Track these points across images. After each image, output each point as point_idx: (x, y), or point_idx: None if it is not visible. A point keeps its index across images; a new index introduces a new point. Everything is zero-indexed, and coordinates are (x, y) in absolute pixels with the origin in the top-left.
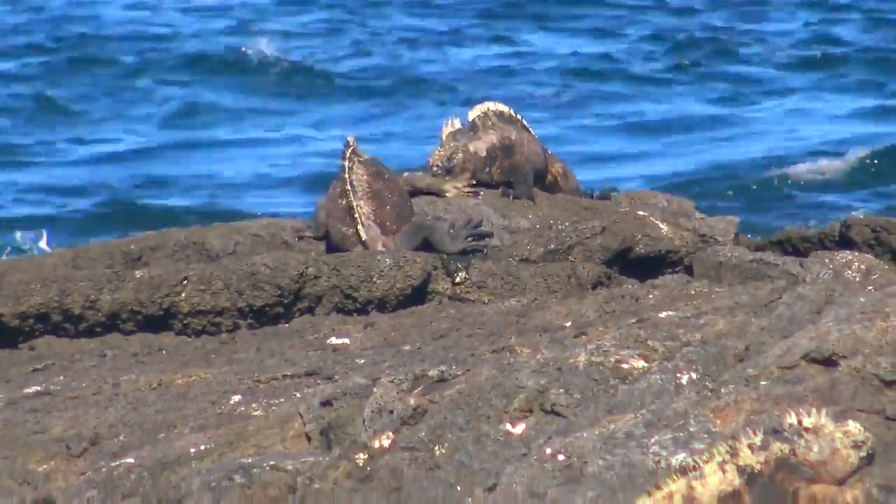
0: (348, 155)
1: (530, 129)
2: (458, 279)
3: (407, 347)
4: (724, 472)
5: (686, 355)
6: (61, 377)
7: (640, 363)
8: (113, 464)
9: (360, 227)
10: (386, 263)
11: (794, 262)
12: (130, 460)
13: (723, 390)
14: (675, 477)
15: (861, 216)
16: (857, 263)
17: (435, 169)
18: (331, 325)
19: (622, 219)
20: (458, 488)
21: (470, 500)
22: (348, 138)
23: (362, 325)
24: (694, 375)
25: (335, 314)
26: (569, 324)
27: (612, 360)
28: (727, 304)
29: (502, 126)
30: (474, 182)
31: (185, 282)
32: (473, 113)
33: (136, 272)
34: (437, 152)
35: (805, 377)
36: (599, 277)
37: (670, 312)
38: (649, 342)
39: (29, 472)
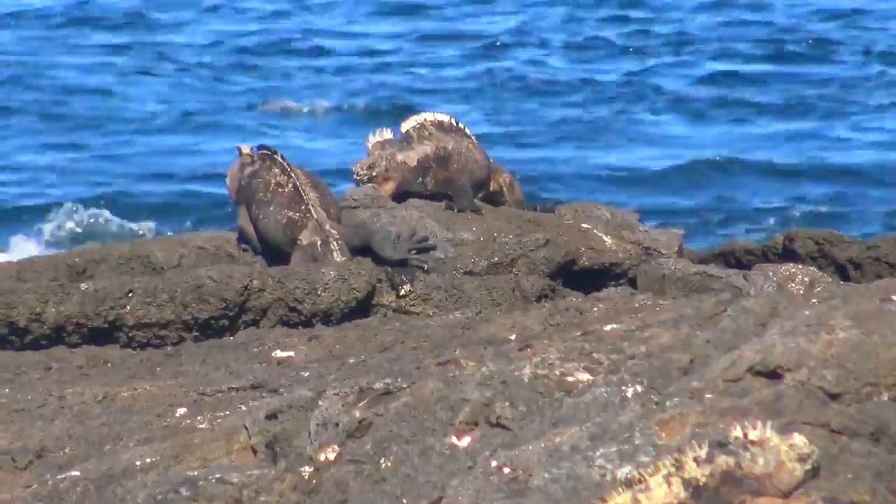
0: (272, 152)
1: (473, 138)
2: (402, 292)
3: (352, 360)
4: (669, 485)
5: (631, 368)
6: (6, 389)
7: (586, 376)
8: (59, 476)
9: (311, 206)
10: (330, 276)
11: (738, 274)
12: (76, 473)
13: (668, 403)
14: (620, 490)
15: (804, 229)
16: (800, 276)
17: (356, 178)
18: (275, 337)
19: (566, 231)
20: (404, 501)
21: None
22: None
23: (307, 338)
24: (639, 388)
25: (280, 327)
26: (513, 336)
27: (557, 372)
28: (672, 316)
29: (440, 136)
30: (398, 192)
31: (131, 294)
32: (408, 124)
33: (82, 285)
34: (359, 161)
35: (750, 390)
36: (544, 290)
37: (615, 325)
38: (594, 355)
39: None
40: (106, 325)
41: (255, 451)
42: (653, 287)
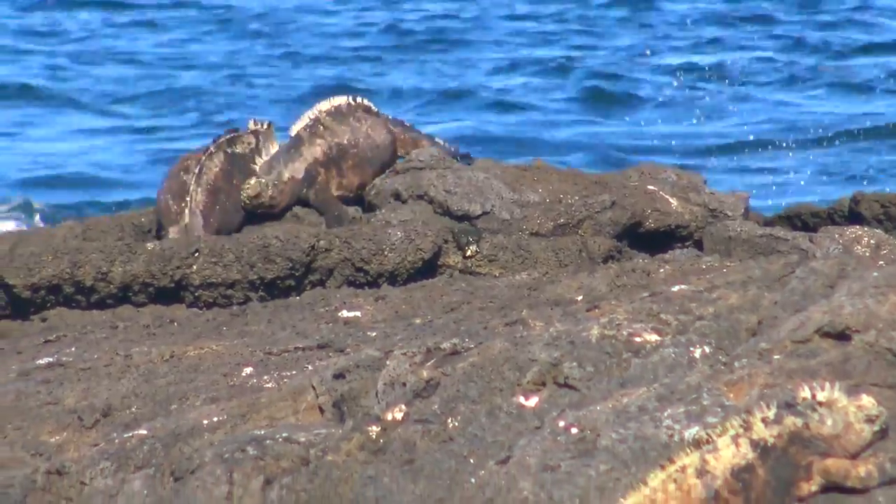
0: (222, 141)
1: (381, 115)
2: (468, 253)
3: (418, 321)
4: (737, 445)
5: (699, 329)
6: (73, 348)
7: (653, 337)
8: (126, 435)
9: (186, 208)
10: (397, 237)
11: (804, 237)
12: (143, 432)
13: (736, 364)
14: (688, 450)
15: (870, 192)
16: (866, 238)
17: (245, 207)
18: (342, 297)
19: (632, 193)
20: (471, 461)
21: (483, 472)
22: (257, 123)
23: (373, 298)
24: (707, 349)
25: (346, 287)
26: (580, 297)
27: (624, 333)
28: (740, 278)
29: (334, 129)
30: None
31: (197, 254)
32: (298, 125)
33: (148, 244)
34: (244, 190)
35: (818, 351)
36: (610, 251)
37: (683, 286)
38: (662, 316)
39: (41, 444)
40: (172, 285)
41: (322, 411)
42: (719, 249)
